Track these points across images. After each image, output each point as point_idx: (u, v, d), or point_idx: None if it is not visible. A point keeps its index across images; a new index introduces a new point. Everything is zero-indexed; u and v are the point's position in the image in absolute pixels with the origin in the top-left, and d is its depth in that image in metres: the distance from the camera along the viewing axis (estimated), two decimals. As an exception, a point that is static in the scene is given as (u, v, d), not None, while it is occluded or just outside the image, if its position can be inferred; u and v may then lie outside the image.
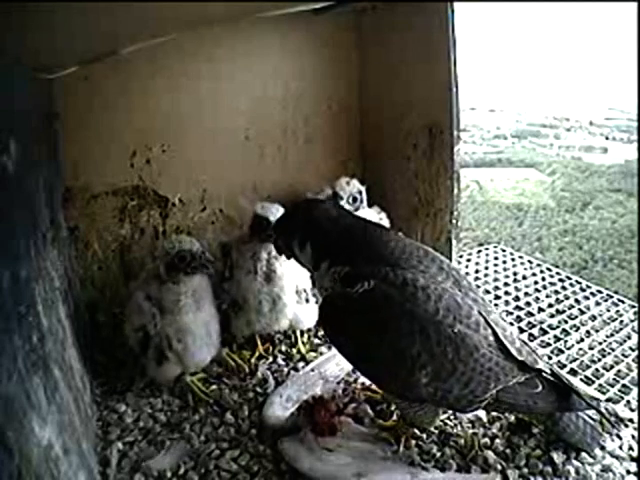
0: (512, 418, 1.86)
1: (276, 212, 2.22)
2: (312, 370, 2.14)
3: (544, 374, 1.60)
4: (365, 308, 1.55)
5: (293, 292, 2.31)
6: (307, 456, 1.67)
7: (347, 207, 2.50)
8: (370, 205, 2.73)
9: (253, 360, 2.28)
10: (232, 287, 2.29)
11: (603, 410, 1.78)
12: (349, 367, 2.14)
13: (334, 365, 2.16)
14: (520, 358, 1.56)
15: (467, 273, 3.17)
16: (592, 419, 1.75)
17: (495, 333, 1.57)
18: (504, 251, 3.51)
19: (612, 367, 2.16)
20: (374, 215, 2.69)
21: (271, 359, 2.29)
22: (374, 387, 1.95)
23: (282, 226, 1.93)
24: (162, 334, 2.02)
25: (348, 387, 2.02)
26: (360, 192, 2.62)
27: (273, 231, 2.01)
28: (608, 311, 2.64)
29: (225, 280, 2.31)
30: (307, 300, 2.36)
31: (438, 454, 1.73)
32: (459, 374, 1.51)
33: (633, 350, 2.28)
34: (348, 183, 2.60)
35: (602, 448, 1.71)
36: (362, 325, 1.56)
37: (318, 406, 1.82)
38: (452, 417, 1.88)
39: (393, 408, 1.90)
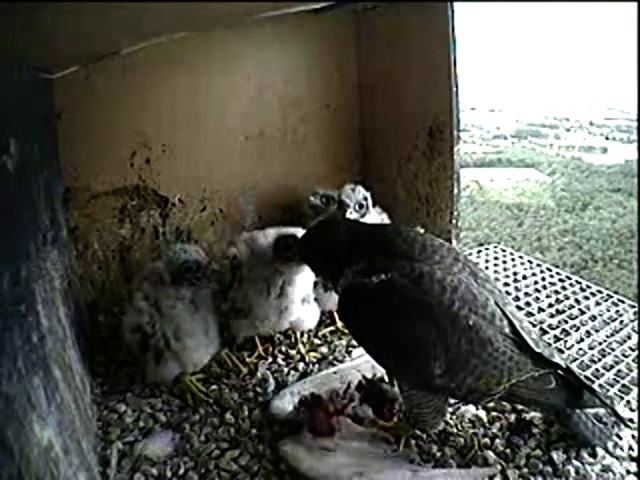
0: (512, 418, 1.86)
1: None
2: (334, 373, 2.10)
3: (559, 370, 1.60)
4: (381, 297, 1.57)
5: (300, 300, 2.30)
6: (306, 456, 1.67)
7: (354, 214, 2.48)
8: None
9: (253, 360, 2.28)
10: (239, 296, 2.24)
11: (617, 409, 1.75)
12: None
13: (355, 372, 2.08)
14: (537, 350, 1.57)
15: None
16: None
17: (512, 325, 1.57)
18: (504, 251, 3.50)
19: (612, 367, 2.16)
20: (376, 216, 2.67)
21: (271, 359, 2.29)
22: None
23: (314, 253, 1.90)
24: (160, 334, 2.02)
25: (349, 388, 2.01)
26: (366, 198, 2.57)
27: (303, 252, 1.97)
28: (608, 311, 2.64)
29: (231, 289, 2.26)
30: (308, 302, 2.36)
31: (438, 454, 1.72)
32: (472, 367, 1.52)
33: (633, 350, 2.27)
34: (354, 190, 2.54)
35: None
36: (378, 314, 1.59)
37: (316, 407, 1.81)
38: (452, 417, 1.87)
39: (395, 410, 1.89)
